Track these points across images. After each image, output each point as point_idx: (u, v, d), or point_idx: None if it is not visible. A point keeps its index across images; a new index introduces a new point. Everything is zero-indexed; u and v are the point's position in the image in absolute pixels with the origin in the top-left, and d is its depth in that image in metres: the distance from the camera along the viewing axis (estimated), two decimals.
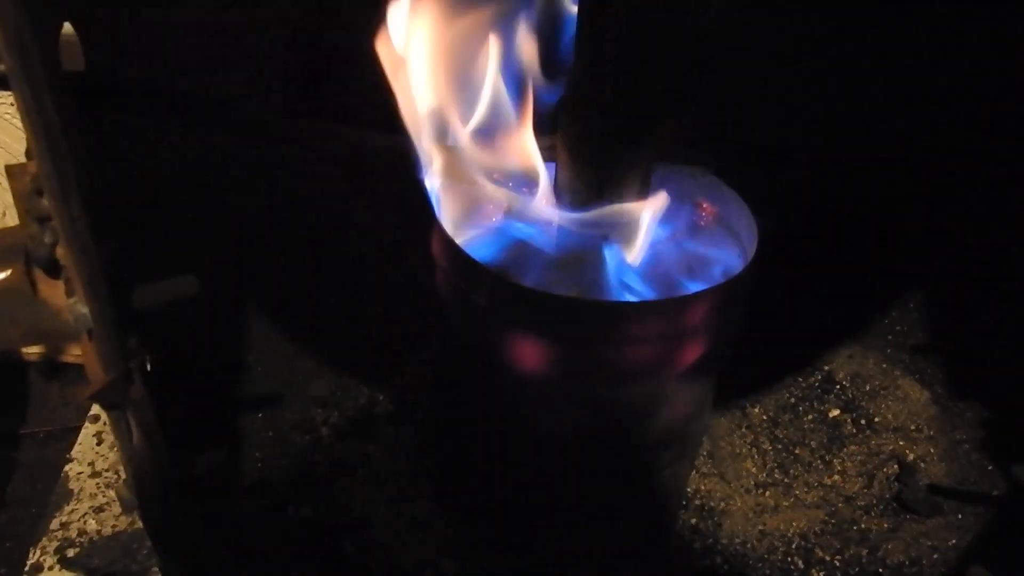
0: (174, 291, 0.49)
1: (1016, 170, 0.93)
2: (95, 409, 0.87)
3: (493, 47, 0.60)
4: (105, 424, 0.85)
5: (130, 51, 0.63)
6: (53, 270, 0.47)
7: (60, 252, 0.46)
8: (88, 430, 0.85)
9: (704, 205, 0.71)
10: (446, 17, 0.59)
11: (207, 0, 0.79)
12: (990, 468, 0.83)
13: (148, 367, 0.49)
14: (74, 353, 1.04)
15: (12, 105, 1.08)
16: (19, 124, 1.06)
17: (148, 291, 0.48)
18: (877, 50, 0.95)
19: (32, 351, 1.02)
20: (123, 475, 0.80)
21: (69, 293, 0.46)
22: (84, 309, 0.43)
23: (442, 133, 0.62)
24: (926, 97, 0.96)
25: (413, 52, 0.59)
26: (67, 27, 0.51)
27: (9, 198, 1.06)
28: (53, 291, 0.48)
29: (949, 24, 0.91)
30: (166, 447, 0.52)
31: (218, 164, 0.86)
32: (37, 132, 0.38)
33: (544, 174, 0.63)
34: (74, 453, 0.83)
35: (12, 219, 1.06)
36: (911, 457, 0.86)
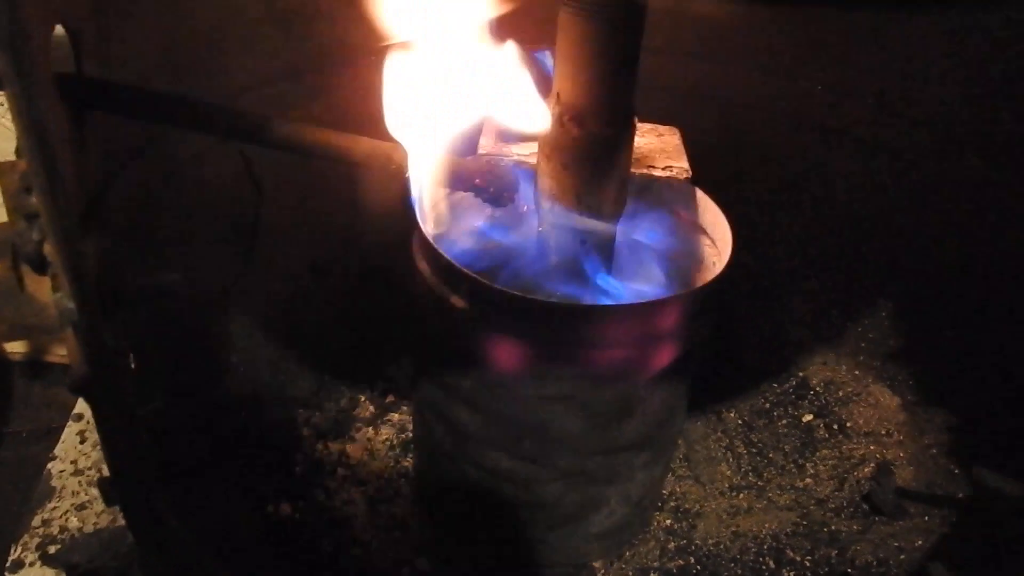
0: (159, 288, 0.50)
1: (986, 178, 0.96)
2: (78, 408, 0.87)
3: (479, 60, 0.62)
4: (88, 423, 0.85)
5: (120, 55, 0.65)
6: (40, 266, 0.48)
7: (47, 248, 0.47)
8: (71, 428, 0.85)
9: (681, 212, 0.73)
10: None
11: None
12: (956, 472, 0.85)
13: (131, 363, 0.50)
14: (58, 353, 1.04)
15: (2, 104, 1.08)
16: (7, 124, 1.07)
17: (134, 287, 0.49)
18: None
19: (16, 351, 1.02)
20: (105, 472, 0.80)
21: (55, 289, 0.47)
22: (70, 304, 0.44)
23: (426, 140, 0.63)
24: (900, 113, 0.98)
25: (400, 62, 0.61)
26: (58, 29, 0.52)
27: None
28: (39, 287, 0.49)
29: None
30: (147, 443, 0.53)
31: (204, 163, 0.87)
32: (27, 130, 0.39)
33: (524, 181, 0.64)
34: (57, 451, 0.83)
35: None
36: (882, 461, 0.88)
